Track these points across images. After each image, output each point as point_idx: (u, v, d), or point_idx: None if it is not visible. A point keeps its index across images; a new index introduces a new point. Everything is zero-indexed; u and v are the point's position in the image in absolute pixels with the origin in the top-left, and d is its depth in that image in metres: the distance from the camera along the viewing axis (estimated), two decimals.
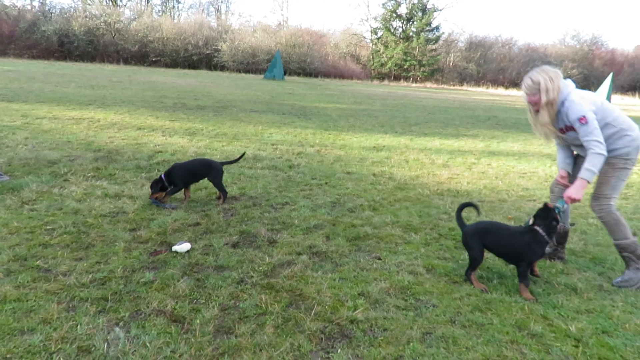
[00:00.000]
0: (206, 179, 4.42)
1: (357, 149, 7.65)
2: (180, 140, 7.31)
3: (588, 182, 2.98)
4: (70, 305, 2.45)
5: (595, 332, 2.48)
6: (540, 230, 2.95)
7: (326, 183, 5.32)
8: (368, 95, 22.02)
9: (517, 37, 79.52)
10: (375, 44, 54.41)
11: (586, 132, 2.98)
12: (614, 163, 3.13)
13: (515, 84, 49.91)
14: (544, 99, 3.07)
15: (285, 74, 35.64)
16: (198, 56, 47.00)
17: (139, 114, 9.93)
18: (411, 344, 2.28)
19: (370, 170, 6.16)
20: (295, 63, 46.29)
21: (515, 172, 6.67)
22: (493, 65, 52.47)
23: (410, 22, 52.51)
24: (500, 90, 45.61)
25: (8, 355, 2.03)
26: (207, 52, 46.86)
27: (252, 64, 45.70)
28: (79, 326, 2.27)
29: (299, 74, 44.98)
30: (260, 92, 19.54)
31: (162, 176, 4.20)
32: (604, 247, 3.82)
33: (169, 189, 4.18)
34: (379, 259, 3.31)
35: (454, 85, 49.09)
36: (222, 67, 45.71)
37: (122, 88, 16.32)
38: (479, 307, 2.68)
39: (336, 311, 2.55)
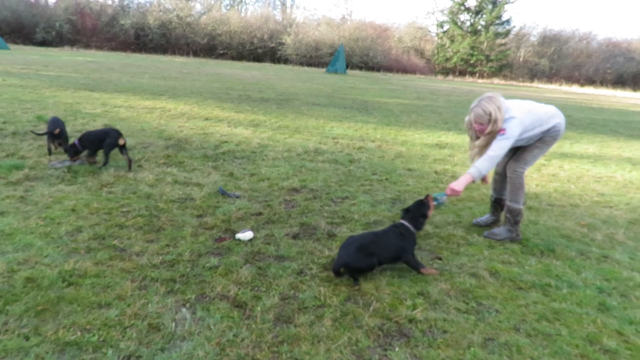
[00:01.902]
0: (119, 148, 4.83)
1: (419, 146, 7.50)
2: (245, 131, 7.52)
3: (473, 179, 3.30)
4: (142, 284, 2.62)
5: None
6: (407, 224, 3.09)
7: (387, 179, 5.27)
8: (431, 91, 21.48)
9: (596, 31, 74.11)
10: (441, 37, 52.83)
11: (499, 143, 3.30)
12: (546, 140, 3.57)
13: (592, 81, 46.70)
14: (489, 128, 3.35)
15: (347, 67, 35.57)
16: (263, 49, 48.01)
17: (206, 104, 10.33)
18: (472, 348, 2.22)
19: (432, 167, 6.02)
20: (358, 57, 46.05)
21: (589, 176, 6.25)
22: (568, 61, 49.25)
23: (479, 15, 50.40)
24: (575, 88, 42.80)
25: (87, 327, 2.21)
26: (272, 45, 47.76)
27: (315, 57, 46.02)
28: (149, 304, 2.42)
29: (361, 68, 44.72)
30: (322, 85, 19.65)
31: (76, 142, 4.80)
32: None
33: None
34: (440, 259, 3.24)
35: (523, 82, 46.69)
36: (286, 60, 46.43)
37: (192, 79, 17.03)
38: (546, 317, 2.55)
39: (394, 309, 2.53)
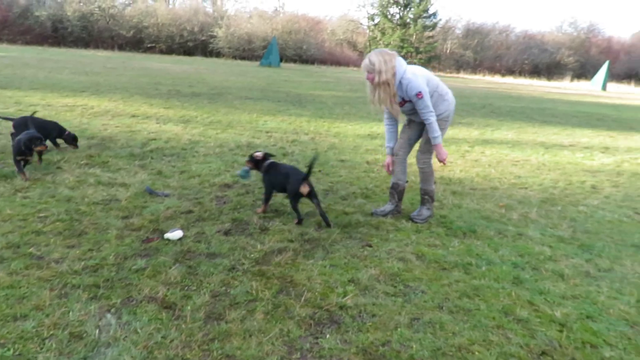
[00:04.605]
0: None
1: (351, 137, 7.66)
2: (174, 127, 7.29)
3: (440, 143, 3.66)
4: (63, 292, 2.48)
5: (580, 317, 2.53)
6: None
7: (319, 171, 5.34)
8: (364, 83, 21.79)
9: (514, 25, 79.06)
10: (372, 30, 53.92)
11: (423, 105, 3.56)
12: (439, 124, 3.71)
13: (512, 71, 49.81)
14: (377, 79, 3.54)
15: (281, 60, 35.39)
16: (193, 42, 46.53)
17: (133, 101, 9.87)
18: (399, 329, 2.32)
19: (364, 158, 6.18)
20: (292, 50, 45.93)
21: (508, 160, 6.71)
22: (490, 52, 52.19)
23: (408, 9, 52.00)
24: (497, 78, 45.47)
25: (2, 341, 2.06)
26: (203, 38, 46.39)
27: (248, 50, 45.32)
28: (70, 312, 2.30)
29: (295, 61, 44.65)
30: (256, 79, 19.43)
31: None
32: (592, 234, 3.87)
33: None
34: (370, 246, 3.35)
35: (450, 73, 48.89)
36: (218, 54, 45.33)
37: (117, 75, 16.18)
38: (467, 293, 2.72)
39: (326, 297, 2.59)
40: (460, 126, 9.87)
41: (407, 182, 4.09)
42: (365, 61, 3.59)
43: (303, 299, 2.56)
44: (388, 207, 4.03)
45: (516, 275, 3.00)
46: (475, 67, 51.14)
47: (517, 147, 7.81)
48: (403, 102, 3.68)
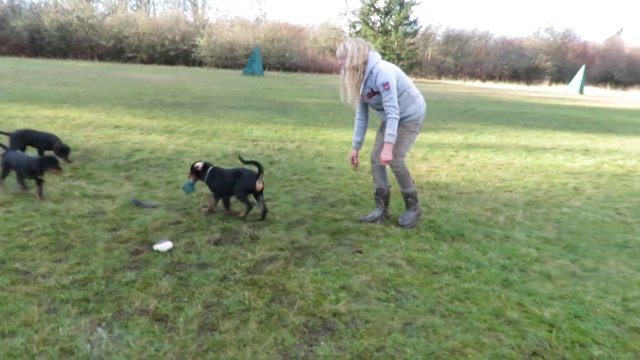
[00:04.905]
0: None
1: (337, 144, 7.69)
2: (159, 138, 7.23)
3: (393, 144, 3.66)
4: (51, 307, 2.43)
5: (568, 317, 2.58)
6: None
7: (307, 178, 5.35)
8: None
9: (493, 31, 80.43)
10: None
11: (388, 97, 3.59)
12: (408, 126, 3.80)
13: (492, 76, 50.64)
14: (347, 63, 3.61)
15: (264, 69, 35.41)
16: (175, 52, 46.26)
17: (115, 111, 9.77)
18: (392, 334, 2.33)
19: (349, 165, 6.20)
20: (274, 58, 46.00)
21: (492, 164, 6.81)
22: (470, 58, 53.03)
23: (389, 16, 52.62)
24: (478, 83, 46.21)
25: None
26: (185, 47, 46.16)
27: (231, 59, 45.25)
28: (60, 328, 2.26)
29: (278, 69, 44.73)
30: (239, 87, 19.40)
31: None
32: (576, 235, 3.95)
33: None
34: (360, 252, 3.36)
35: (432, 79, 49.54)
36: (200, 63, 45.16)
37: (97, 85, 16.00)
38: (458, 297, 2.75)
39: (319, 305, 2.59)
40: (445, 131, 10.00)
41: (390, 187, 4.12)
42: (340, 47, 3.69)
43: (296, 307, 2.55)
44: (376, 213, 4.06)
45: (505, 277, 3.04)
46: (456, 72, 51.93)
47: (501, 151, 7.94)
48: (372, 93, 3.72)
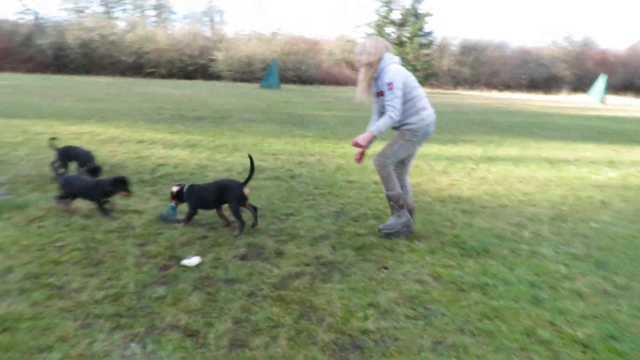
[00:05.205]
0: None
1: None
2: (181, 152, 7.36)
3: (374, 136, 3.69)
4: (86, 322, 2.48)
5: (603, 337, 2.52)
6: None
7: (329, 192, 5.38)
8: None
9: (509, 40, 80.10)
10: None
11: (390, 97, 3.62)
12: (404, 133, 3.82)
13: (509, 86, 50.25)
14: (363, 59, 3.72)
15: (281, 82, 35.78)
16: (194, 66, 47.16)
17: (138, 127, 9.98)
18: (422, 353, 2.32)
19: (372, 178, 6.21)
20: (291, 71, 46.52)
21: (514, 177, 6.74)
22: (486, 68, 52.78)
23: (404, 28, 52.83)
24: (494, 93, 45.87)
25: None
26: (203, 62, 47.03)
27: (248, 72, 45.90)
28: (95, 343, 2.30)
29: (294, 82, 45.16)
30: (257, 101, 19.63)
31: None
32: (606, 250, 3.88)
33: None
34: (386, 268, 3.36)
35: (448, 89, 49.37)
36: (218, 77, 45.89)
37: (120, 101, 16.37)
38: (487, 315, 2.73)
39: (347, 322, 2.59)
40: (464, 143, 9.94)
41: (415, 202, 4.12)
42: (358, 46, 3.83)
43: (325, 324, 2.56)
44: (392, 220, 3.96)
45: (534, 294, 3.00)
46: (472, 83, 51.67)
47: (522, 163, 7.85)
48: (380, 93, 3.77)
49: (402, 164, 4.06)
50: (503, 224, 4.48)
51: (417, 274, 3.25)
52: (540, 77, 51.06)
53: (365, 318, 2.63)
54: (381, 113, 3.84)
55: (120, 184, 4.12)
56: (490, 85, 50.24)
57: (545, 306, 2.85)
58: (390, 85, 3.60)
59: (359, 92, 3.90)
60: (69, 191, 4.20)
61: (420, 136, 3.83)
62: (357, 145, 3.75)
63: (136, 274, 3.08)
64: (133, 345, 2.31)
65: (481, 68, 52.63)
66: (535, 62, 52.03)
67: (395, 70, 3.65)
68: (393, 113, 3.62)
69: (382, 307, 2.77)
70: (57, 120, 10.31)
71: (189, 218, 4.04)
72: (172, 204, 4.11)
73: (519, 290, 3.05)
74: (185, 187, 4.06)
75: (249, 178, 3.92)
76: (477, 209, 4.98)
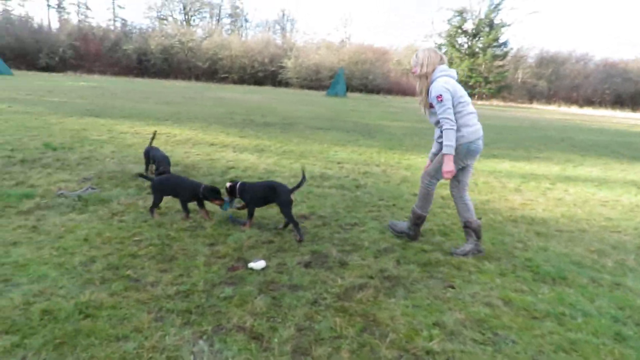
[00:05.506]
0: None
1: (423, 170, 7.53)
2: (250, 156, 7.59)
3: (452, 154, 3.62)
4: (159, 316, 2.62)
5: None
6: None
7: (394, 204, 5.30)
8: None
9: (593, 52, 75.12)
10: None
11: (441, 110, 3.61)
12: (460, 155, 3.76)
13: (591, 102, 47.16)
14: (418, 70, 3.77)
15: (347, 90, 35.97)
16: (264, 73, 48.69)
17: (211, 130, 10.43)
18: None
19: (438, 192, 6.04)
20: (358, 79, 46.66)
21: (595, 200, 6.28)
22: (566, 82, 49.88)
23: (477, 38, 51.29)
24: (574, 109, 43.19)
25: None
26: (272, 68, 48.42)
27: (316, 80, 46.63)
28: (167, 337, 2.42)
29: (361, 91, 45.24)
30: (324, 108, 19.85)
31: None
32: None
33: None
34: (452, 287, 3.24)
35: (522, 103, 47.18)
36: (286, 84, 47.02)
37: (195, 104, 17.22)
38: (563, 347, 2.55)
39: (411, 340, 2.53)
40: (538, 161, 9.43)
41: (480, 218, 4.01)
42: (413, 56, 3.86)
43: (388, 340, 2.51)
44: (468, 246, 3.90)
45: (617, 330, 2.76)
46: (549, 97, 49.03)
47: (605, 186, 7.30)
48: (431, 105, 3.76)
49: (457, 182, 3.98)
50: (582, 250, 4.18)
51: (486, 297, 3.11)
52: (627, 93, 47.39)
53: (431, 338, 2.55)
54: (436, 122, 3.86)
55: (214, 194, 4.27)
56: (569, 100, 47.39)
57: (630, 344, 2.62)
58: (439, 98, 3.61)
59: (420, 104, 3.94)
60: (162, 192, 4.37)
61: (461, 154, 3.75)
62: (451, 173, 3.69)
63: (206, 272, 3.20)
64: (201, 342, 2.40)
65: (560, 81, 49.82)
66: (622, 76, 48.40)
67: (442, 83, 3.65)
68: (448, 124, 3.61)
69: (448, 328, 2.68)
70: (139, 120, 11.03)
71: (250, 214, 4.22)
72: (227, 198, 4.34)
73: (600, 323, 2.82)
74: (238, 184, 4.30)
75: (298, 186, 4.10)
76: (552, 232, 4.68)
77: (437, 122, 3.80)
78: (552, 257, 3.95)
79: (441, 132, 3.72)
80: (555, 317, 2.89)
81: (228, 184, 4.35)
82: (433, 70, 3.74)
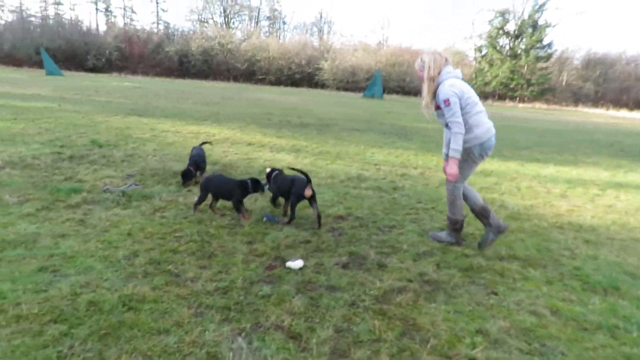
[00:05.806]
0: None
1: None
2: (287, 157, 7.62)
3: (458, 158, 3.61)
4: (198, 311, 2.64)
5: None
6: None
7: (433, 208, 5.18)
8: None
9: None
10: (479, 62, 52.40)
11: (449, 113, 3.60)
12: (472, 155, 3.78)
13: None
14: (424, 74, 3.74)
15: (384, 92, 35.69)
16: (300, 74, 49.02)
17: (248, 130, 10.56)
18: None
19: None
20: (394, 81, 46.26)
21: None
22: (615, 84, 47.69)
23: (519, 39, 49.83)
24: (624, 112, 41.22)
25: (148, 353, 2.24)
26: (309, 70, 48.68)
27: (352, 82, 46.55)
28: (206, 332, 2.44)
29: (397, 93, 44.84)
30: (360, 110, 19.76)
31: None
32: None
33: None
34: (496, 294, 3.12)
35: (567, 106, 45.46)
36: (323, 85, 47.15)
37: (233, 105, 17.51)
38: None
39: (453, 347, 2.45)
40: (586, 166, 9.03)
41: (466, 216, 4.12)
42: (418, 60, 3.84)
43: (429, 345, 2.44)
44: (487, 233, 3.99)
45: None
46: (596, 100, 47.03)
47: None
48: (438, 106, 3.75)
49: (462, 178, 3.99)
50: (636, 260, 3.95)
51: (531, 305, 2.98)
52: None
53: (474, 345, 2.46)
54: (445, 125, 3.81)
55: (260, 186, 4.37)
56: (618, 104, 45.27)
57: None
58: (446, 102, 3.60)
59: (424, 107, 3.88)
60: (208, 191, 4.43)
61: (476, 154, 3.80)
62: (454, 176, 3.72)
63: (244, 270, 3.21)
64: (240, 339, 2.40)
65: (608, 84, 47.69)
66: None
67: (449, 86, 3.64)
68: (458, 128, 3.59)
69: (492, 336, 2.58)
70: (180, 120, 11.30)
71: (273, 199, 4.61)
72: (264, 182, 4.52)
73: None
74: (275, 172, 4.52)
75: (308, 180, 4.20)
76: (603, 239, 4.45)
77: (447, 124, 3.76)
78: (603, 266, 3.74)
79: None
80: (607, 329, 2.73)
81: (268, 169, 4.58)
82: (439, 72, 3.73)
